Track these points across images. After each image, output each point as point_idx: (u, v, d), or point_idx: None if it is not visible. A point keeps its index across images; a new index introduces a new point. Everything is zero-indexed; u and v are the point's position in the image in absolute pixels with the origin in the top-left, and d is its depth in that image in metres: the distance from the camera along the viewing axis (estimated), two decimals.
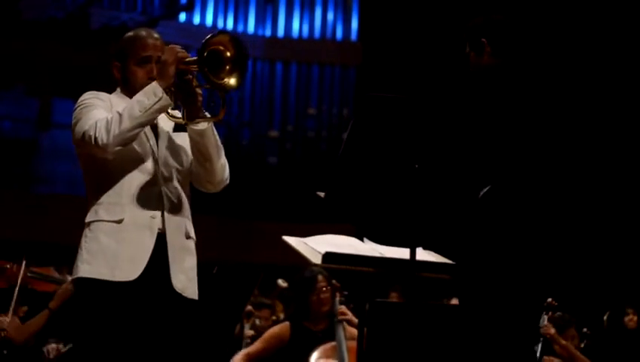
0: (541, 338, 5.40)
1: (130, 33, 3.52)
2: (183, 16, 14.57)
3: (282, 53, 14.81)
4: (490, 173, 3.43)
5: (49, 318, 4.86)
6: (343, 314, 5.59)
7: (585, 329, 6.45)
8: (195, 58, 3.24)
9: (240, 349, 6.03)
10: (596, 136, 11.20)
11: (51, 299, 4.83)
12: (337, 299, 5.69)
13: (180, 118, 3.35)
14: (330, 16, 14.99)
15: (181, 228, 3.42)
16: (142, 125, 3.28)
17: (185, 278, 3.39)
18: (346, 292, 5.77)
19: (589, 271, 10.66)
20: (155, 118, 3.34)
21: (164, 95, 3.25)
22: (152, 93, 3.26)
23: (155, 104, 3.25)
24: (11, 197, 12.20)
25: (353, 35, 14.97)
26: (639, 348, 7.21)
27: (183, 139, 3.45)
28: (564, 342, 5.53)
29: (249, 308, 6.42)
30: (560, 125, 3.56)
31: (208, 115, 3.35)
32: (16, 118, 13.58)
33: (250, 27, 14.91)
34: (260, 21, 14.96)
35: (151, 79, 3.34)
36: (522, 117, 3.50)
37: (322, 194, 3.40)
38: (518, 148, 3.48)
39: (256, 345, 5.71)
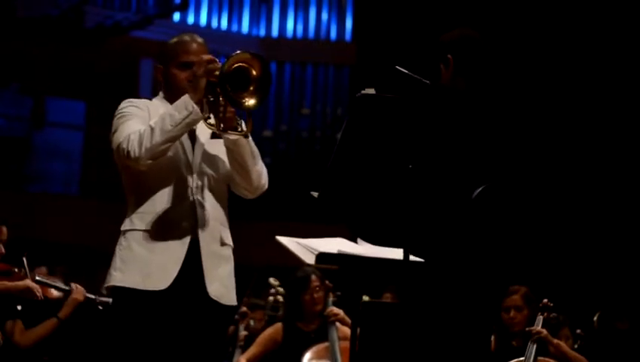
0: (536, 340, 5.41)
1: (175, 38, 3.57)
2: (177, 16, 14.56)
3: (276, 53, 14.80)
4: (483, 173, 3.44)
5: (57, 328, 4.87)
6: (335, 314, 5.60)
7: (578, 331, 6.47)
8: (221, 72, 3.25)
9: (234, 350, 6.03)
10: (588, 138, 11.22)
11: (54, 306, 4.83)
12: (330, 299, 5.70)
13: (214, 126, 3.36)
14: (324, 16, 14.98)
15: (215, 236, 3.45)
16: (173, 139, 3.31)
17: (220, 285, 3.42)
18: (339, 293, 5.79)
19: (580, 271, 10.68)
20: (187, 131, 3.36)
21: (195, 108, 3.27)
22: (184, 107, 3.28)
23: (186, 118, 3.27)
24: (5, 196, 12.18)
25: (347, 36, 14.96)
26: (631, 348, 7.23)
27: (220, 146, 3.47)
28: (556, 341, 5.54)
29: (244, 309, 6.42)
30: (550, 125, 3.58)
31: (243, 126, 3.37)
32: (9, 117, 13.55)
33: (244, 27, 14.91)
34: (254, 21, 14.95)
35: (190, 82, 3.36)
36: (512, 118, 3.51)
37: (316, 194, 3.41)
38: (512, 148, 3.49)
39: (252, 350, 5.73)
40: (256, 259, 10.22)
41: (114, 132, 3.39)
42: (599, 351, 6.73)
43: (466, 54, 3.57)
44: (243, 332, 6.36)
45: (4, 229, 4.70)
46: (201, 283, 3.37)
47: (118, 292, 3.37)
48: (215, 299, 3.39)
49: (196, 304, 3.36)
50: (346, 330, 5.32)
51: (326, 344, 5.56)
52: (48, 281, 4.82)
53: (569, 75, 11.32)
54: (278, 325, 5.79)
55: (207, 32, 14.58)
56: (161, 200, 3.38)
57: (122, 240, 3.40)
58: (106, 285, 3.43)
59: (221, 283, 3.44)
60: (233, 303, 3.48)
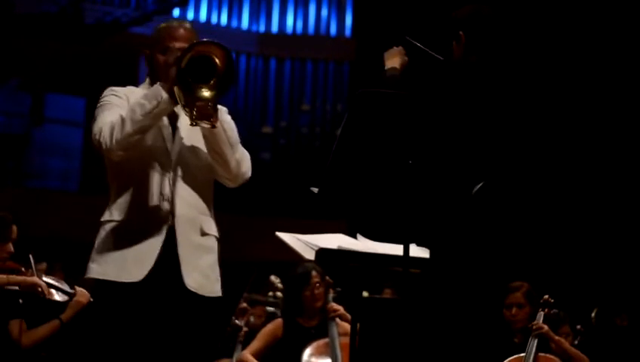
0: (536, 336, 5.41)
1: (163, 23, 3.49)
2: (176, 12, 14.54)
3: (276, 49, 14.80)
4: (483, 169, 3.43)
5: (59, 330, 4.86)
6: (335, 310, 5.59)
7: (578, 327, 6.46)
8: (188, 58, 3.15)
9: (234, 346, 6.03)
10: (590, 136, 11.21)
11: (58, 307, 4.82)
12: (330, 295, 5.70)
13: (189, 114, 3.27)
14: (324, 12, 14.98)
15: (194, 226, 3.36)
16: (144, 129, 3.24)
17: (200, 276, 3.33)
18: (339, 289, 5.78)
19: (579, 267, 10.68)
20: (158, 121, 3.29)
21: (165, 97, 3.20)
22: (154, 96, 3.21)
23: (155, 108, 3.20)
24: (4, 192, 12.17)
25: (347, 31, 14.96)
26: (630, 344, 7.22)
27: (199, 135, 3.39)
28: (557, 337, 5.54)
29: (244, 305, 6.42)
30: (551, 122, 3.56)
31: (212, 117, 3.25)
32: (9, 113, 13.54)
33: (244, 23, 14.90)
34: (253, 17, 14.94)
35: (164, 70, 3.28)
36: (511, 113, 3.50)
37: (316, 190, 3.40)
38: (512, 144, 3.48)
39: (254, 345, 5.73)
40: (256, 255, 10.23)
41: (92, 122, 3.33)
42: (598, 347, 6.73)
43: (477, 30, 3.53)
44: (244, 329, 6.36)
45: (15, 228, 4.69)
46: (177, 273, 3.29)
47: (97, 284, 3.31)
48: (193, 290, 3.30)
49: (173, 295, 3.28)
50: (347, 326, 5.32)
51: (326, 340, 5.55)
52: (55, 283, 4.81)
53: (572, 71, 11.31)
54: (279, 320, 5.80)
55: (206, 27, 14.56)
56: (139, 189, 3.32)
57: (101, 232, 3.34)
58: (84, 277, 3.38)
59: (201, 273, 3.34)
60: (216, 294, 3.38)
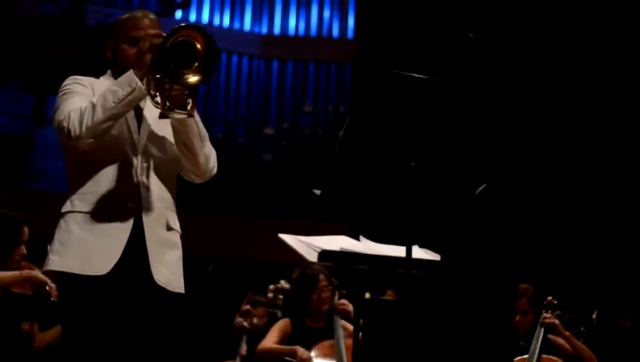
0: (541, 337, 5.41)
1: (126, 14, 3.42)
2: (179, 14, 14.55)
3: (278, 50, 14.80)
4: (486, 170, 3.43)
5: None
6: (343, 305, 5.58)
7: (582, 329, 6.45)
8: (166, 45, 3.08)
9: (237, 347, 6.04)
10: (592, 137, 11.20)
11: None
12: (336, 297, 5.70)
13: (160, 105, 3.19)
14: (326, 13, 14.98)
15: (161, 220, 3.29)
16: (116, 117, 3.16)
17: (168, 272, 3.27)
18: (344, 291, 5.78)
19: (580, 269, 10.67)
20: (130, 109, 3.22)
21: (139, 84, 3.12)
22: (127, 83, 3.13)
23: (128, 95, 3.12)
24: (6, 193, 12.17)
25: (349, 33, 14.96)
26: (634, 345, 7.21)
27: (168, 126, 3.31)
28: (567, 333, 5.53)
29: (247, 306, 6.41)
30: (554, 123, 3.56)
31: (189, 105, 3.18)
32: (10, 114, 13.55)
33: (247, 24, 14.90)
34: (256, 18, 14.94)
35: (135, 57, 3.21)
36: (514, 115, 3.50)
37: (318, 192, 3.39)
38: (515, 146, 3.48)
39: (272, 338, 5.68)
40: (258, 257, 10.23)
41: (56, 109, 3.24)
42: (602, 348, 6.72)
43: (486, 31, 3.51)
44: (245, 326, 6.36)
45: (26, 230, 4.66)
46: (146, 268, 3.21)
47: (59, 277, 3.24)
48: (162, 285, 3.24)
49: (141, 290, 3.21)
50: (352, 328, 5.33)
51: (331, 341, 5.56)
52: None
53: (575, 72, 11.30)
54: (287, 320, 5.80)
55: (209, 29, 14.57)
56: (104, 181, 3.23)
57: (62, 223, 3.27)
58: (43, 269, 3.32)
59: (169, 269, 3.27)
60: (181, 291, 3.31)
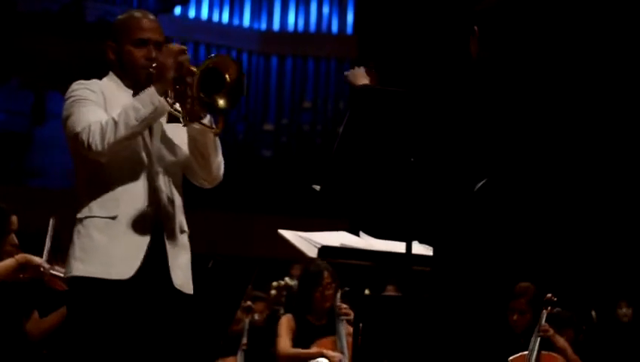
0: (540, 335, 5.39)
1: (125, 14, 3.43)
2: (178, 10, 14.54)
3: (277, 46, 14.80)
4: (486, 166, 3.42)
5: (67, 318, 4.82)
6: (347, 313, 5.56)
7: (583, 327, 6.44)
8: (195, 69, 3.13)
9: (238, 344, 6.04)
10: (592, 132, 11.20)
11: (63, 297, 4.78)
12: (338, 294, 5.68)
13: (180, 114, 3.22)
14: (325, 9, 14.97)
15: (177, 223, 3.33)
16: (137, 134, 3.21)
17: (182, 274, 3.32)
18: (347, 289, 5.76)
19: (580, 266, 10.68)
20: (152, 124, 3.27)
21: (162, 102, 3.15)
22: (149, 101, 3.15)
23: (151, 113, 3.15)
24: (5, 190, 12.17)
25: (349, 29, 14.96)
26: (634, 341, 7.22)
27: (176, 130, 3.35)
28: (562, 341, 5.51)
29: (248, 303, 6.41)
30: (554, 120, 3.54)
31: (207, 121, 3.23)
32: (10, 111, 13.55)
33: (246, 21, 14.89)
34: (255, 15, 14.94)
35: (149, 60, 3.25)
36: (517, 110, 3.48)
37: (318, 188, 3.39)
38: (515, 141, 3.47)
39: (285, 340, 5.64)
40: (258, 252, 10.23)
41: (68, 116, 3.24)
42: (602, 344, 6.73)
43: (491, 25, 3.48)
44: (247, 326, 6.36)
45: (15, 219, 4.63)
46: (165, 271, 3.25)
47: (79, 282, 3.24)
48: (179, 287, 3.28)
49: (161, 293, 3.24)
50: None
51: (332, 338, 5.55)
52: (60, 274, 4.78)
53: (577, 71, 11.30)
54: (290, 316, 5.78)
55: (208, 26, 14.57)
56: (121, 186, 3.25)
57: (80, 229, 3.26)
58: (65, 276, 3.32)
59: (182, 271, 3.31)
60: (192, 292, 3.35)
